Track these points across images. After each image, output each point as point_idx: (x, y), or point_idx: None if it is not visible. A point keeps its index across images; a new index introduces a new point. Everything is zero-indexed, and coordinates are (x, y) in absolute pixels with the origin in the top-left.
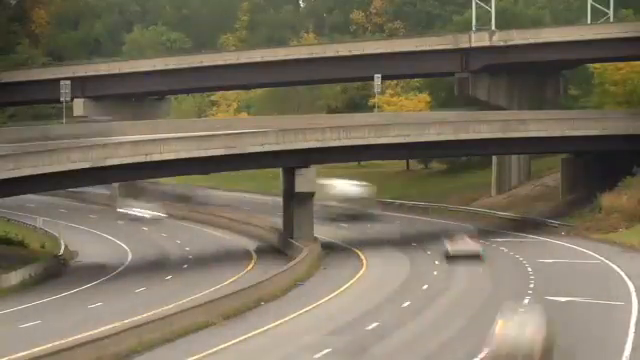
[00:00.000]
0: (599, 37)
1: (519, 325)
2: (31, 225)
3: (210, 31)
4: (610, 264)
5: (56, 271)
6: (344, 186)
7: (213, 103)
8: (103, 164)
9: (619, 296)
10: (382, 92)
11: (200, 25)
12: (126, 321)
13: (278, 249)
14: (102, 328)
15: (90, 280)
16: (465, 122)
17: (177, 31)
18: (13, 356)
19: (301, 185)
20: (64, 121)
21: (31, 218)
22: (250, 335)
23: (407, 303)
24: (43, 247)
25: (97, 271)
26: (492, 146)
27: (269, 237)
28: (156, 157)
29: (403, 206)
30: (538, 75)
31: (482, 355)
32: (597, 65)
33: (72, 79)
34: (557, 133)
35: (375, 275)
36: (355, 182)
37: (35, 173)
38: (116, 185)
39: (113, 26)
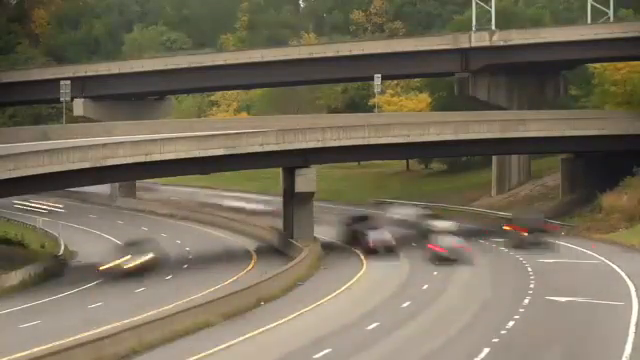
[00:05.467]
0: (599, 37)
1: None
2: (31, 225)
3: (210, 31)
4: (610, 264)
5: (56, 271)
6: None
7: (213, 103)
8: (103, 164)
9: (619, 296)
10: (382, 92)
11: (200, 25)
12: (126, 321)
13: (278, 249)
14: (102, 328)
15: (90, 280)
16: (465, 122)
17: (177, 31)
18: (13, 356)
19: (301, 185)
20: (64, 121)
21: (31, 218)
22: (250, 335)
23: (407, 303)
24: (43, 247)
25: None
26: (492, 146)
27: (269, 237)
28: (156, 157)
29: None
30: (538, 75)
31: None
32: (597, 65)
33: (72, 79)
34: (557, 133)
35: (375, 275)
36: None
37: (35, 173)
38: (116, 185)
39: (113, 26)
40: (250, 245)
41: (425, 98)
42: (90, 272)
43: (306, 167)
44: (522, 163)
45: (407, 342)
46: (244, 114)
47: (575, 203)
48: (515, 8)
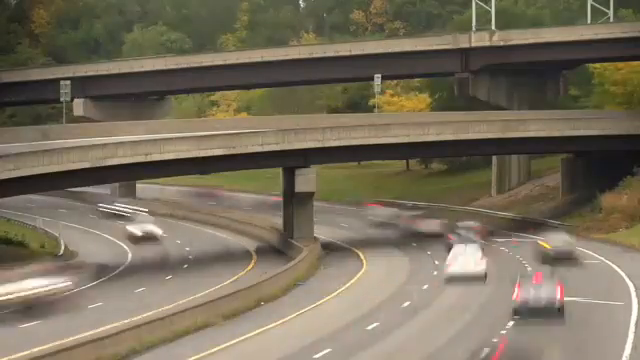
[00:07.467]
0: (599, 37)
1: None
2: (31, 225)
3: (210, 31)
4: (610, 264)
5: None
6: None
7: (213, 103)
8: (103, 164)
9: (619, 296)
10: (382, 92)
11: (200, 25)
12: (126, 321)
13: (278, 249)
14: (102, 328)
15: (90, 280)
16: (465, 122)
17: (177, 31)
18: (13, 356)
19: (301, 185)
20: (64, 121)
21: (31, 218)
22: (250, 335)
23: (407, 303)
24: (43, 247)
25: (97, 271)
26: (492, 146)
27: (269, 237)
28: (156, 157)
29: (403, 206)
30: (538, 75)
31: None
32: (597, 65)
33: (72, 79)
34: (557, 133)
35: (375, 275)
36: None
37: (35, 173)
38: (116, 185)
39: (113, 26)
40: (250, 245)
41: (425, 98)
42: (90, 272)
43: (306, 167)
44: (522, 163)
45: (407, 342)
46: (244, 114)
47: (575, 203)
48: (515, 8)
